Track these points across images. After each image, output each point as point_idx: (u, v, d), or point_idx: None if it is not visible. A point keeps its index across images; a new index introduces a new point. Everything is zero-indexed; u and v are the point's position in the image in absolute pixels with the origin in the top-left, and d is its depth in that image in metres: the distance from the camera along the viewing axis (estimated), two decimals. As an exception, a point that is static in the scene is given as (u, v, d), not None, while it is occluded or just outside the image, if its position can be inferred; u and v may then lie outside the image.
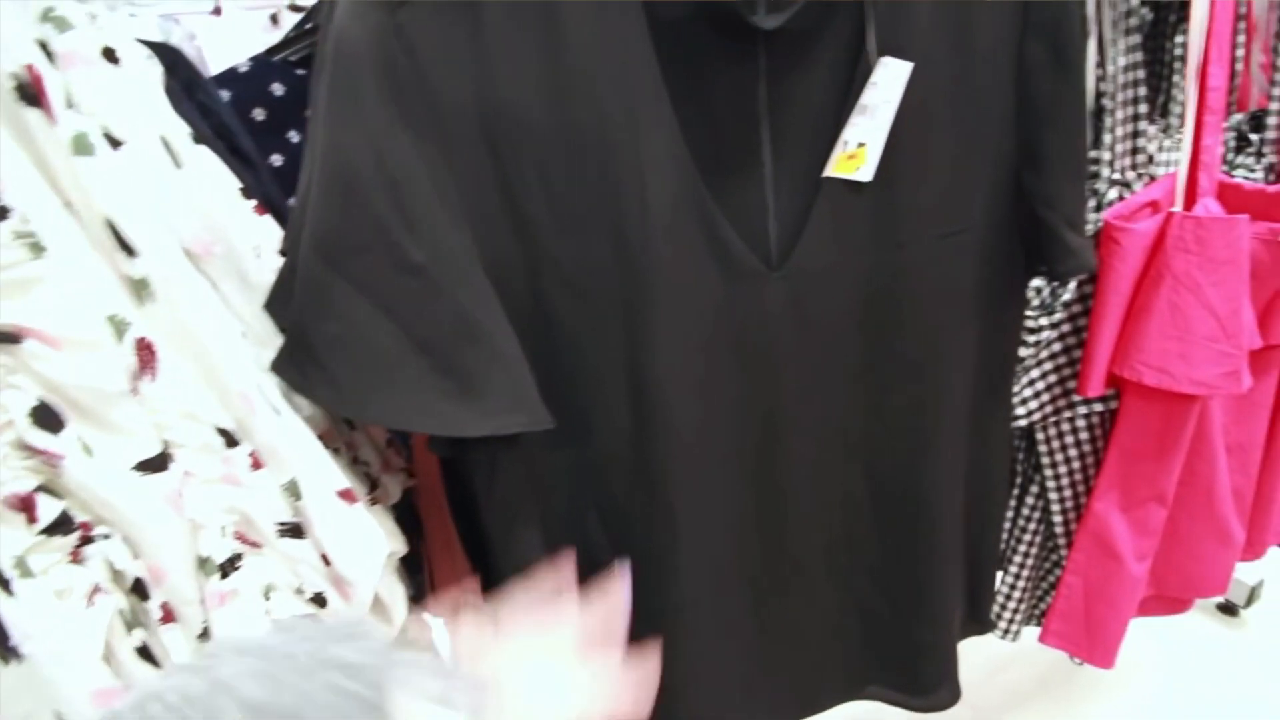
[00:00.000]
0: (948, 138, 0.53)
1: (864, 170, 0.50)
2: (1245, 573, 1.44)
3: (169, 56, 0.68)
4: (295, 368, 0.45)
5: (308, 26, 0.80)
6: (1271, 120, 0.83)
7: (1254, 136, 0.86)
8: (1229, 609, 1.56)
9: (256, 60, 0.76)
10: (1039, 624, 0.88)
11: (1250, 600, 1.53)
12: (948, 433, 0.62)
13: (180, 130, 0.45)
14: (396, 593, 0.55)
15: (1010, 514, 0.91)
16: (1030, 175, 0.56)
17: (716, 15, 0.46)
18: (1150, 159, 0.77)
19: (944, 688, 0.70)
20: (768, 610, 0.63)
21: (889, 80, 0.47)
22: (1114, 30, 0.73)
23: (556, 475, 0.54)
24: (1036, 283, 0.75)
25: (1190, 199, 0.71)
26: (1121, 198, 0.75)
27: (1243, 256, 0.66)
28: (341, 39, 0.41)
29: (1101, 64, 0.74)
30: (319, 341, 0.44)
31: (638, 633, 0.60)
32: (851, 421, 0.60)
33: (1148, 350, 0.69)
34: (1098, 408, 0.81)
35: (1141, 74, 0.73)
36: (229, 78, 0.72)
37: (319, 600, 0.47)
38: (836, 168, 0.50)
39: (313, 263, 0.43)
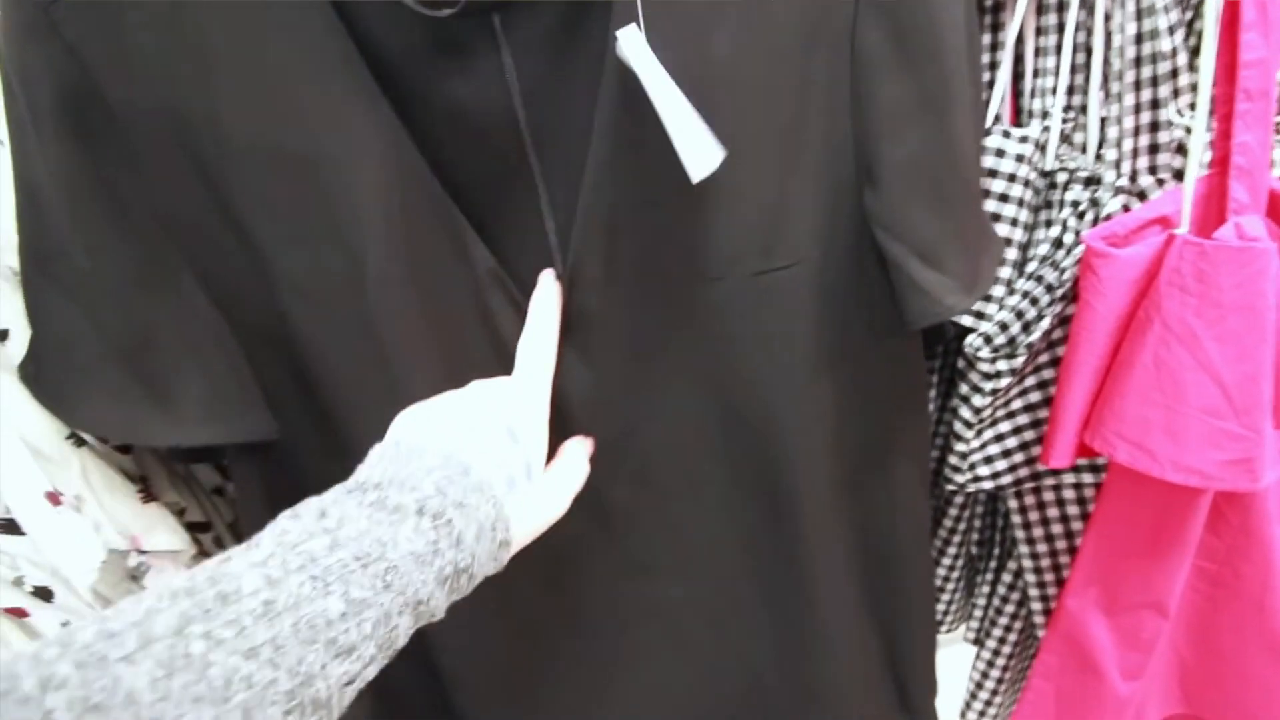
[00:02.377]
0: (760, 151, 0.41)
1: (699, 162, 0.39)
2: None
3: None
4: (31, 373, 0.45)
5: None
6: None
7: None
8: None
9: None
10: None
11: None
12: (808, 503, 0.51)
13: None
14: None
15: (985, 592, 0.75)
16: (869, 192, 0.43)
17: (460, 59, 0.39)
18: (1181, 147, 0.58)
19: None
20: (645, 678, 0.56)
21: (636, 58, 0.36)
22: (1119, -12, 0.54)
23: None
24: (999, 316, 0.59)
25: (1213, 217, 0.52)
26: (1129, 209, 0.57)
27: (1264, 302, 0.48)
28: (0, 46, 0.38)
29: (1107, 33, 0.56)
30: (40, 347, 0.44)
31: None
32: (700, 472, 0.50)
33: (1125, 418, 0.52)
34: (1088, 478, 0.64)
35: (1165, 45, 0.54)
36: None
37: (42, 593, 0.48)
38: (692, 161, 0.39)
39: (24, 266, 0.43)
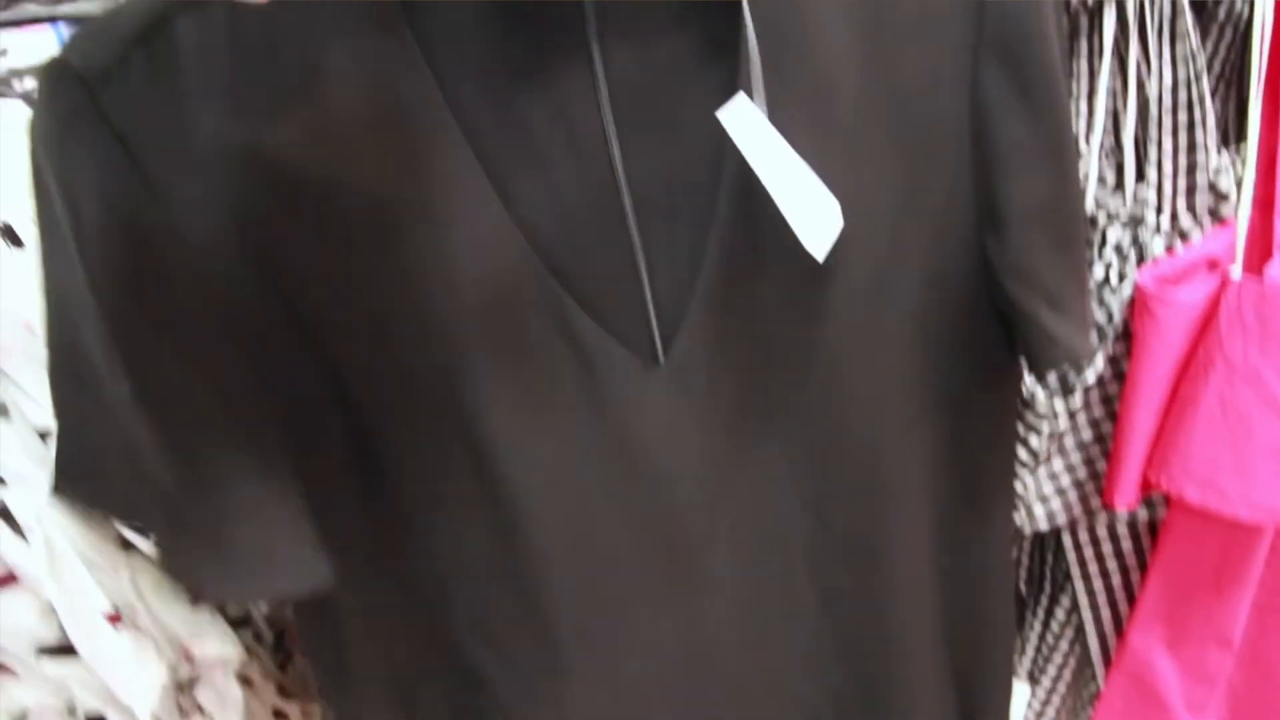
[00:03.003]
0: (879, 205, 0.40)
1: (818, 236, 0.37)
2: None
3: None
4: (64, 483, 0.41)
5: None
6: None
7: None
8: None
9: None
10: (1076, 762, 0.72)
11: None
12: (904, 542, 0.49)
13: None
14: (229, 695, 0.51)
15: (1039, 627, 0.75)
16: (993, 240, 0.42)
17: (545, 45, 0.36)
18: (1223, 197, 0.60)
19: None
20: None
21: (746, 128, 0.35)
22: (1157, 38, 0.56)
23: (409, 628, 0.46)
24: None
25: (1260, 256, 0.53)
26: (1172, 250, 0.58)
27: (1327, 341, 0.49)
28: (35, 135, 0.34)
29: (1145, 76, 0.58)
30: (71, 462, 0.40)
31: None
32: (789, 532, 0.48)
33: (1193, 456, 0.52)
34: (1143, 515, 0.64)
35: (1201, 90, 0.56)
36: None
37: None
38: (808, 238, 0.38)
39: (54, 380, 0.39)
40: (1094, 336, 0.46)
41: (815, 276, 0.40)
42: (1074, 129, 0.57)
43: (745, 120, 0.35)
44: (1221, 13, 0.63)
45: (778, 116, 0.35)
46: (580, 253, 0.40)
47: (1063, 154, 0.41)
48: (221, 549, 0.39)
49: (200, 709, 0.51)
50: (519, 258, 0.38)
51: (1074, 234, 0.44)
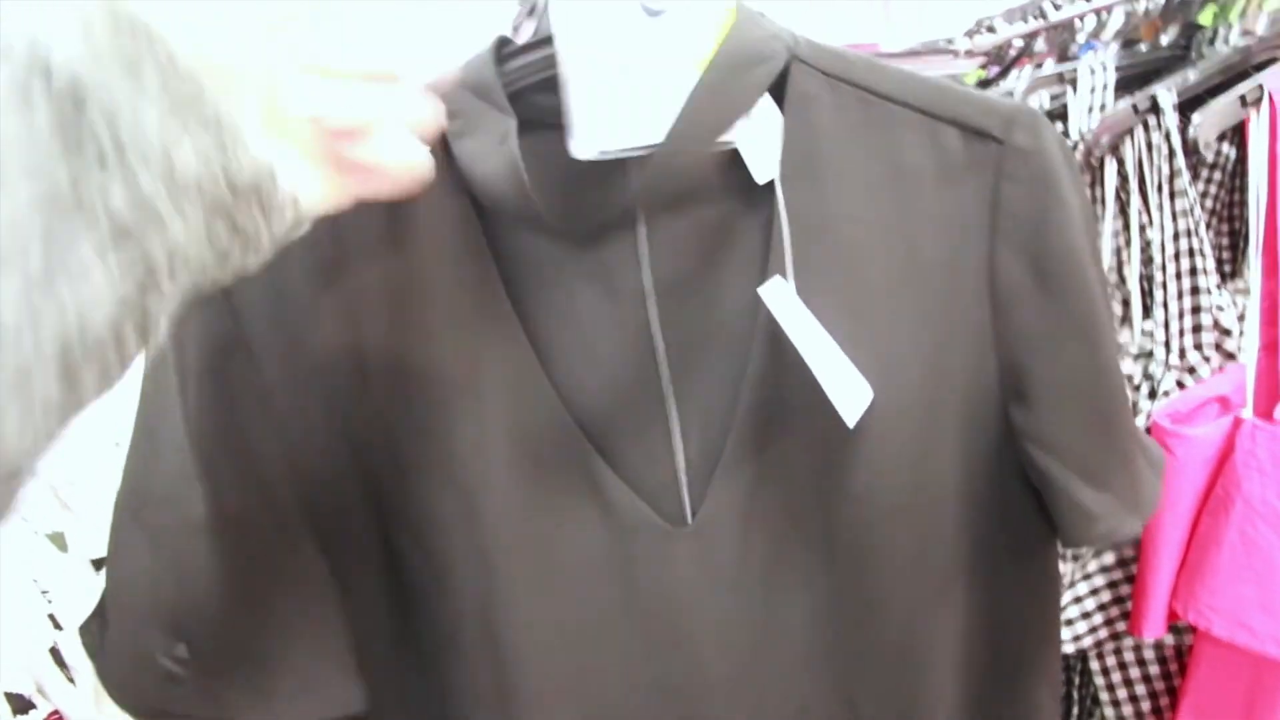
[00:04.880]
0: (907, 383, 0.41)
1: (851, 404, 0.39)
2: None
3: None
4: (95, 639, 0.42)
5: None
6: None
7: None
8: None
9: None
10: None
11: None
12: None
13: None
14: None
15: (1068, 752, 0.74)
16: (1019, 411, 0.42)
17: (580, 231, 0.39)
18: (1225, 331, 0.63)
19: None
20: None
21: (784, 310, 0.38)
22: (1157, 193, 0.61)
23: None
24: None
25: (1269, 396, 0.56)
26: (1182, 385, 0.61)
27: (1341, 484, 0.51)
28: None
29: (1147, 225, 0.62)
30: (114, 605, 0.41)
31: None
32: (812, 709, 0.47)
33: (1218, 592, 0.54)
34: (1169, 640, 0.65)
35: (1199, 239, 0.60)
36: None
37: None
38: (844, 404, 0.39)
39: (117, 511, 0.41)
40: (1139, 514, 0.44)
41: (845, 445, 0.41)
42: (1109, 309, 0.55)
43: (781, 296, 0.37)
44: (1210, 156, 0.69)
45: (808, 290, 0.38)
46: (614, 414, 0.41)
47: (1092, 334, 0.42)
48: (264, 672, 0.41)
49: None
50: (553, 417, 0.40)
51: (1110, 410, 0.43)
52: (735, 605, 0.44)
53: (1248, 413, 0.55)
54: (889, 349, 0.40)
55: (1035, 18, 0.88)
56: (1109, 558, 0.64)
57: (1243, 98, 0.56)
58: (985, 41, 0.97)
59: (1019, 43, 0.94)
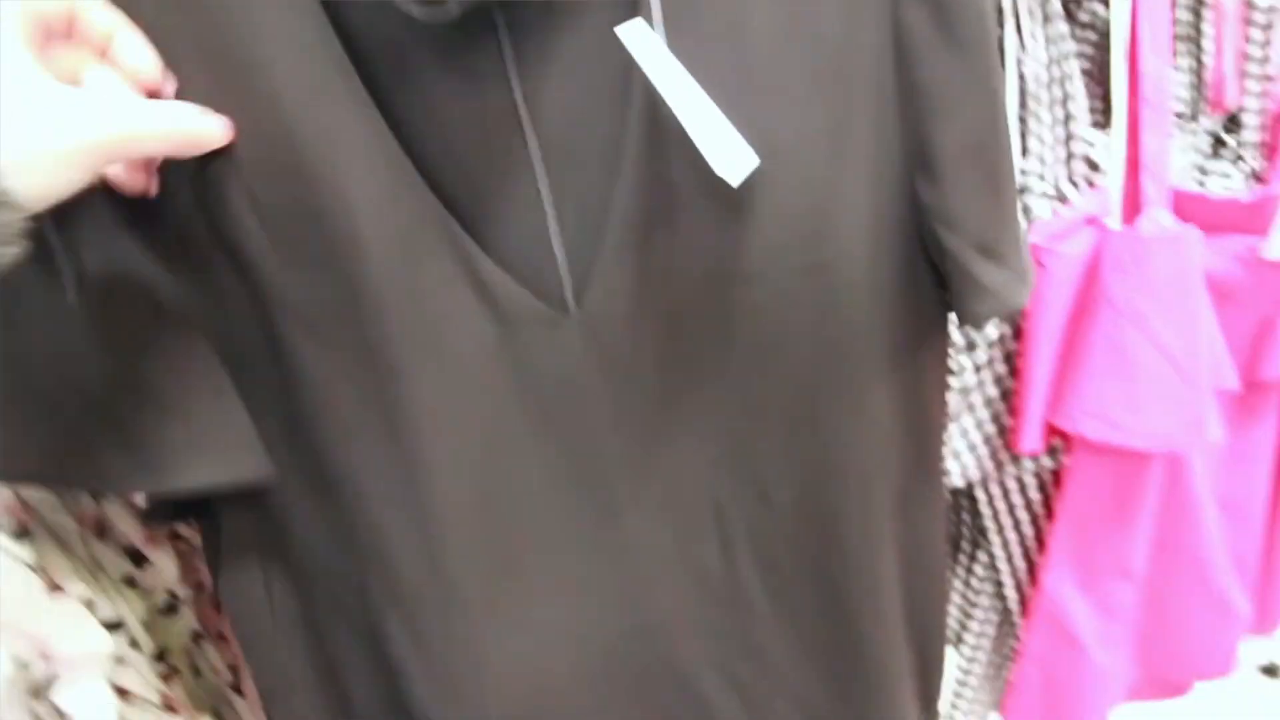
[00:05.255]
0: (803, 144, 0.39)
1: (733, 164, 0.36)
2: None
3: None
4: None
5: None
6: (1250, 120, 0.71)
7: (1230, 139, 0.73)
8: (1272, 670, 1.39)
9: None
10: (1001, 715, 0.74)
11: (1293, 663, 1.36)
12: (859, 514, 0.47)
13: None
14: (99, 699, 0.47)
15: (960, 585, 0.78)
16: (925, 185, 0.41)
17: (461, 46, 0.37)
18: (1095, 167, 0.66)
19: None
20: None
21: (644, 52, 0.35)
22: (1031, 19, 0.62)
23: (326, 576, 0.44)
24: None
25: (1132, 211, 0.59)
26: (1056, 212, 0.63)
27: (1194, 279, 0.54)
28: None
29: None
30: None
31: None
32: (727, 505, 0.46)
33: (1087, 396, 0.57)
34: (1048, 463, 0.69)
35: (1070, 68, 0.62)
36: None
37: None
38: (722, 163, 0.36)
39: None
40: (1028, 284, 0.45)
41: (737, 222, 0.39)
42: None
43: (646, 44, 0.35)
44: (1084, 16, 0.71)
45: (681, 41, 0.35)
46: (484, 196, 0.39)
47: (990, 94, 0.41)
48: (153, 434, 0.39)
49: (61, 714, 0.46)
50: (418, 199, 0.37)
51: (1005, 178, 0.43)
52: (631, 393, 0.42)
53: (1115, 223, 0.57)
54: (779, 113, 0.38)
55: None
56: (992, 390, 0.67)
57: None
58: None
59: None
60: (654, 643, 0.48)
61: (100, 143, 0.31)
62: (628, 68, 0.36)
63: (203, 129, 0.35)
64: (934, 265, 0.44)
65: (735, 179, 0.36)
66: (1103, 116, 0.75)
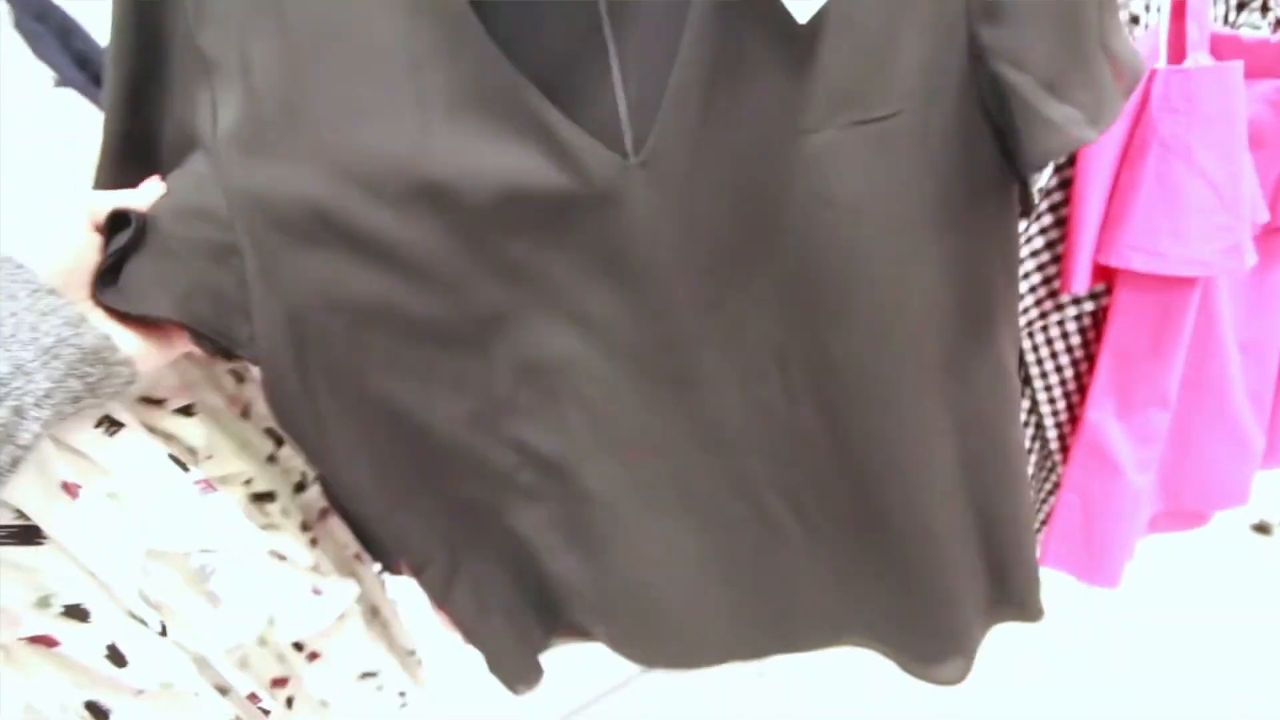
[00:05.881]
0: None
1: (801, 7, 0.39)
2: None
3: (37, 6, 0.63)
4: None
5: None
6: (1278, -32, 0.73)
7: (1258, -11, 0.76)
8: (1263, 528, 1.49)
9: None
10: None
11: (1286, 517, 1.45)
12: (914, 374, 0.49)
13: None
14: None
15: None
16: (989, 28, 0.41)
17: None
18: (1135, 19, 0.68)
19: (947, 664, 0.59)
20: (733, 551, 0.56)
21: None
22: None
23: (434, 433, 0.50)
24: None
25: (1178, 55, 0.62)
26: (1101, 64, 0.66)
27: (1239, 111, 0.58)
28: None
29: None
30: None
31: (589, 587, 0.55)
32: (787, 352, 0.49)
33: (1135, 231, 0.61)
34: (1088, 306, 0.73)
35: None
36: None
37: (76, 612, 0.43)
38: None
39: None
40: (1097, 126, 0.44)
41: (797, 72, 0.41)
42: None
43: None
44: None
45: None
46: (552, 54, 0.41)
47: None
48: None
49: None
50: (497, 67, 0.40)
51: (1078, 19, 0.42)
52: (693, 242, 0.45)
53: (1161, 64, 0.60)
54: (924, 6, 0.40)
55: None
56: (1038, 241, 0.71)
57: None
58: None
59: None
60: (727, 463, 0.52)
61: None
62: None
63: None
64: (993, 124, 0.44)
65: (804, 15, 0.38)
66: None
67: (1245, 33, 0.75)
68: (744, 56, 0.41)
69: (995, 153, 0.46)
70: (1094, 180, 0.62)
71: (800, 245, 0.46)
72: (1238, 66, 0.57)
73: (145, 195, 0.44)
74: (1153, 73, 0.60)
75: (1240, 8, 0.79)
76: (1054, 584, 0.68)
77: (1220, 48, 0.64)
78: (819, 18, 0.39)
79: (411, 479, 0.52)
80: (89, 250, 0.41)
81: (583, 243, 0.45)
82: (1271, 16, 0.75)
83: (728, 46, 0.41)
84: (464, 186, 0.42)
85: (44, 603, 0.42)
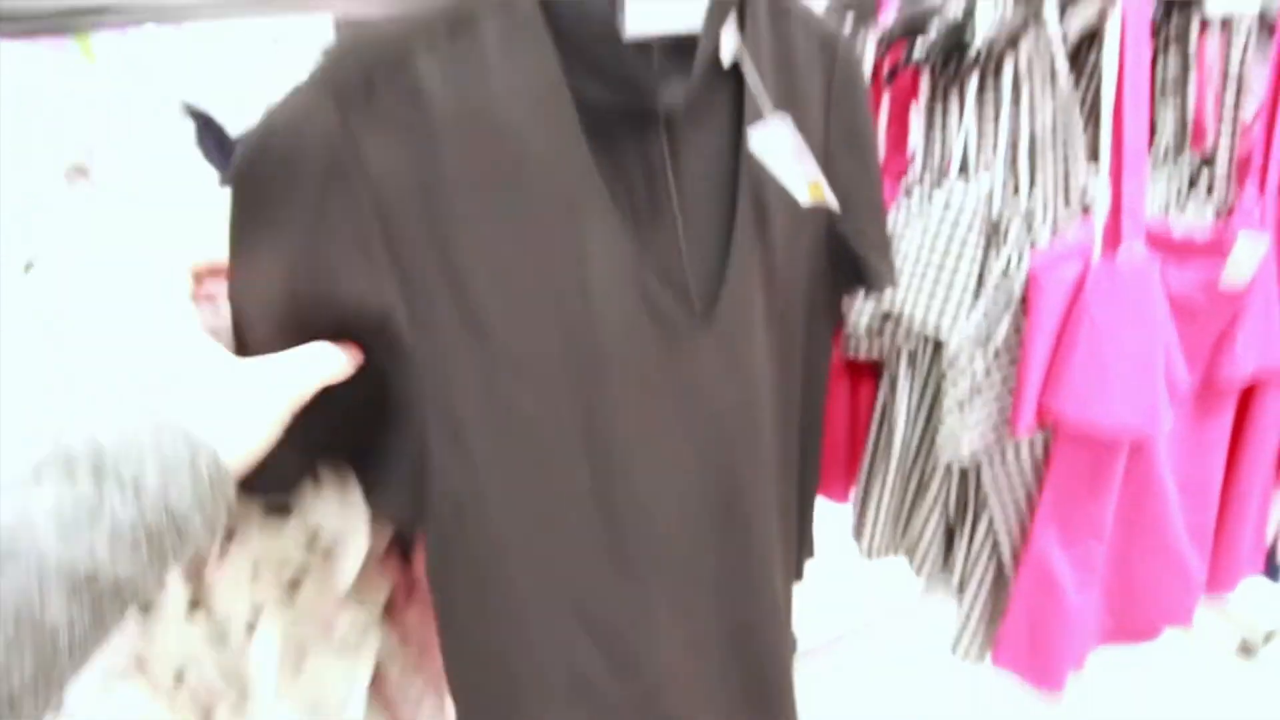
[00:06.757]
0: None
1: (830, 198, 0.55)
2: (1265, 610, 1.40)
3: (201, 119, 0.77)
4: None
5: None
6: (1221, 159, 0.84)
7: (1205, 174, 0.86)
8: (1246, 648, 1.52)
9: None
10: (994, 652, 0.90)
11: (1268, 639, 1.50)
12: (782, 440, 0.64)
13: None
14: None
15: (964, 546, 0.93)
16: (844, 220, 0.61)
17: (630, 98, 0.49)
18: (1085, 206, 0.79)
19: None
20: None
21: (781, 131, 0.52)
22: (1041, 82, 0.76)
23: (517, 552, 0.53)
24: (973, 323, 0.78)
25: (1113, 242, 0.73)
26: (1053, 240, 0.77)
27: (1157, 303, 0.68)
28: (276, 132, 0.41)
29: (1031, 113, 0.77)
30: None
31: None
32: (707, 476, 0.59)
33: (1068, 392, 0.71)
34: (1039, 445, 0.83)
35: (1072, 117, 0.75)
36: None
37: None
38: (811, 195, 0.55)
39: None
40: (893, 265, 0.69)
41: (793, 226, 0.58)
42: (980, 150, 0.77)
43: (773, 129, 0.52)
44: (1089, 67, 0.84)
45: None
46: (649, 239, 0.52)
47: (875, 165, 0.62)
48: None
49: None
50: (623, 248, 0.50)
51: (883, 210, 0.65)
52: (738, 385, 0.57)
53: (1096, 256, 0.71)
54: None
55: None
56: (998, 385, 0.81)
57: (1102, 6, 0.71)
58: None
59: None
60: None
61: (286, 406, 0.38)
62: (734, 144, 0.54)
63: (337, 364, 0.42)
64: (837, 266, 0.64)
65: (806, 199, 0.54)
66: (1095, 149, 0.89)
67: (1192, 210, 0.86)
68: (770, 223, 0.57)
69: (836, 288, 0.66)
70: (1038, 344, 0.73)
71: (778, 368, 0.62)
72: (1153, 270, 0.68)
73: (330, 363, 0.42)
74: (1087, 263, 0.71)
75: (1191, 184, 0.90)
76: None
77: (1157, 238, 0.74)
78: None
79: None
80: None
81: (658, 393, 0.54)
82: (1216, 199, 0.86)
83: (761, 218, 0.55)
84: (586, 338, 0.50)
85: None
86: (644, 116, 0.50)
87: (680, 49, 0.49)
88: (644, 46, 0.46)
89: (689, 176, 0.53)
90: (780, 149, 0.52)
